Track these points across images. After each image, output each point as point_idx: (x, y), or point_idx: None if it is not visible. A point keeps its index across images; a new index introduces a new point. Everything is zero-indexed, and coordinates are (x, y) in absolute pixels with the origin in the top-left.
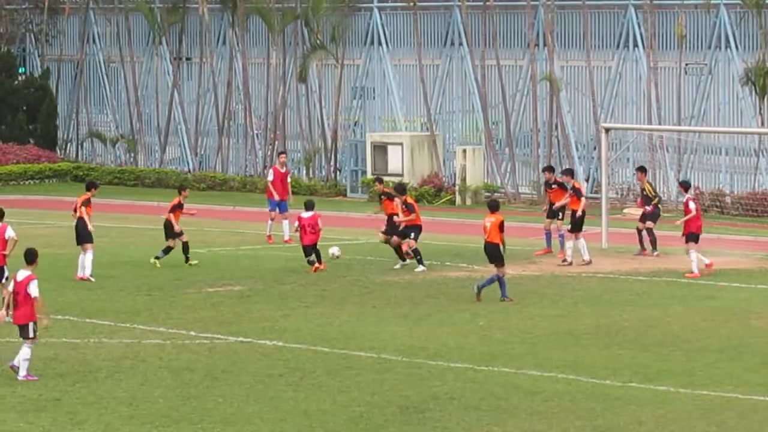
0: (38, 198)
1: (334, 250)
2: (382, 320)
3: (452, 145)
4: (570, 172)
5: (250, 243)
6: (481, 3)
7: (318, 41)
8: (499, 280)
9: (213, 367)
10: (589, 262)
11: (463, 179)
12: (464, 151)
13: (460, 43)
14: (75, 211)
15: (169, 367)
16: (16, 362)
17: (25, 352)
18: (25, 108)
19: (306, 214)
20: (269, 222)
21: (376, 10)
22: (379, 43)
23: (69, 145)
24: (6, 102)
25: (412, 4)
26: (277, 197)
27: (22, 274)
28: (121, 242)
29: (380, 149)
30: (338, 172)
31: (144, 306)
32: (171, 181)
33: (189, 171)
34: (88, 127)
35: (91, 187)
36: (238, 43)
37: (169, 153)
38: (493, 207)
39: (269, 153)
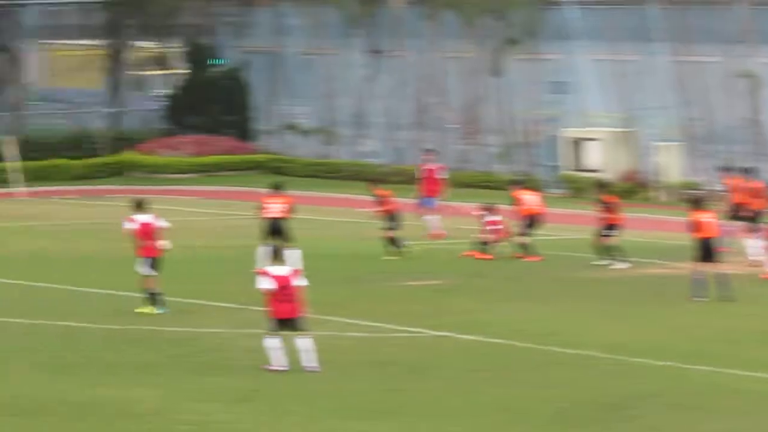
0: (238, 189)
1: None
2: (583, 316)
3: (650, 142)
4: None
5: (452, 237)
6: None
7: (513, 35)
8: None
9: (415, 361)
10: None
11: (661, 175)
12: (662, 147)
13: (658, 39)
14: (261, 209)
15: (371, 360)
16: (308, 364)
17: (306, 343)
18: (221, 99)
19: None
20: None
21: (573, 5)
22: (576, 38)
23: (265, 136)
24: (204, 94)
25: None
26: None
27: (281, 269)
28: (321, 234)
29: (577, 144)
30: (535, 167)
31: (346, 298)
32: (367, 174)
33: (385, 164)
34: (284, 119)
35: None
36: (432, 36)
37: (365, 146)
38: (702, 203)
39: (465, 147)
